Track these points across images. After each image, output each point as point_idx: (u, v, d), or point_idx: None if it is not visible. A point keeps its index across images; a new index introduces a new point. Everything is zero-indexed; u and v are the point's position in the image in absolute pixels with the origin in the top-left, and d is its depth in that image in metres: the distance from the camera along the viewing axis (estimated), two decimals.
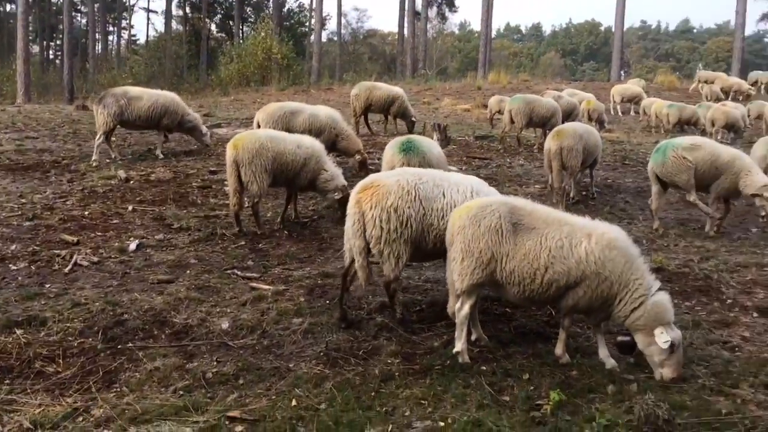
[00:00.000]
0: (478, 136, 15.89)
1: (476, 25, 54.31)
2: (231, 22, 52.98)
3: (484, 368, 5.06)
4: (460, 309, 5.13)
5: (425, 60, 50.03)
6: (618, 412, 4.41)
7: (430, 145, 8.38)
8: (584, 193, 10.86)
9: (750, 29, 63.07)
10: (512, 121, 14.55)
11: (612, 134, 17.71)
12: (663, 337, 4.76)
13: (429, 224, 5.56)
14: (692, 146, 8.79)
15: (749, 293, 6.69)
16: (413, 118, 15.77)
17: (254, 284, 6.76)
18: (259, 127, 11.01)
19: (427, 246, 5.63)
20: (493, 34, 68.80)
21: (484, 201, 5.24)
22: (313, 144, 8.91)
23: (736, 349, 5.48)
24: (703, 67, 47.16)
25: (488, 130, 17.67)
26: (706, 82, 27.68)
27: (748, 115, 19.23)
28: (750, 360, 5.24)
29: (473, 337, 5.51)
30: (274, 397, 4.65)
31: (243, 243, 8.20)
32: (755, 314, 6.21)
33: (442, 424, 4.28)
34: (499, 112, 17.78)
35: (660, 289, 5.01)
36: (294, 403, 4.55)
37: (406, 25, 47.64)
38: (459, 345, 5.13)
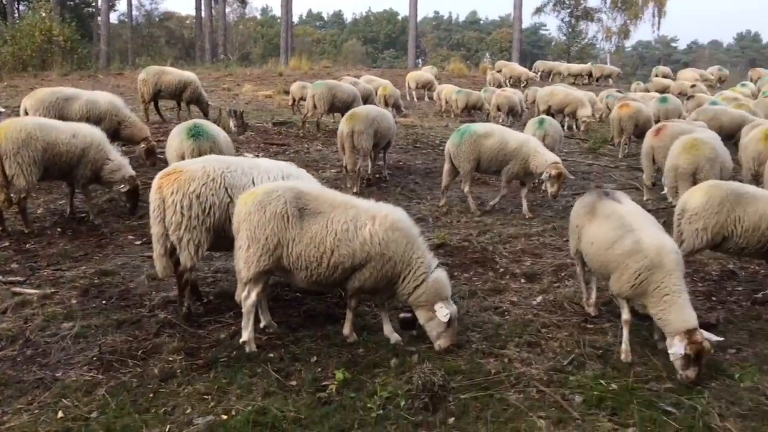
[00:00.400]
0: (276, 122, 15.74)
1: (278, 11, 53.69)
2: (3, 0, 47.10)
3: (272, 355, 5.02)
4: (247, 297, 5.02)
5: (225, 45, 48.48)
6: (399, 383, 4.60)
7: (217, 129, 8.12)
8: (377, 175, 11.21)
9: (528, 22, 69.36)
10: (315, 107, 14.65)
11: (407, 119, 18.48)
12: (443, 311, 5.04)
13: None
14: (485, 134, 9.15)
15: (518, 261, 7.36)
16: (208, 104, 15.19)
17: (17, 289, 6.07)
18: (27, 114, 9.91)
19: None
20: (296, 20, 68.60)
21: (270, 187, 5.16)
22: (92, 133, 8.21)
23: (506, 313, 5.99)
24: (489, 56, 50.98)
25: (289, 116, 17.59)
26: (500, 71, 30.12)
27: (526, 100, 21.12)
28: (516, 322, 5.75)
29: (262, 325, 5.44)
30: (36, 411, 4.22)
31: (7, 244, 7.34)
32: (523, 280, 6.83)
33: (225, 417, 4.17)
34: (302, 98, 17.80)
35: (438, 265, 5.29)
36: (60, 414, 4.16)
37: (203, 8, 45.83)
38: (246, 334, 5.03)
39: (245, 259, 4.96)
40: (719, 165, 7.99)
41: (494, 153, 9.06)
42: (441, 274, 5.21)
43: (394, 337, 5.36)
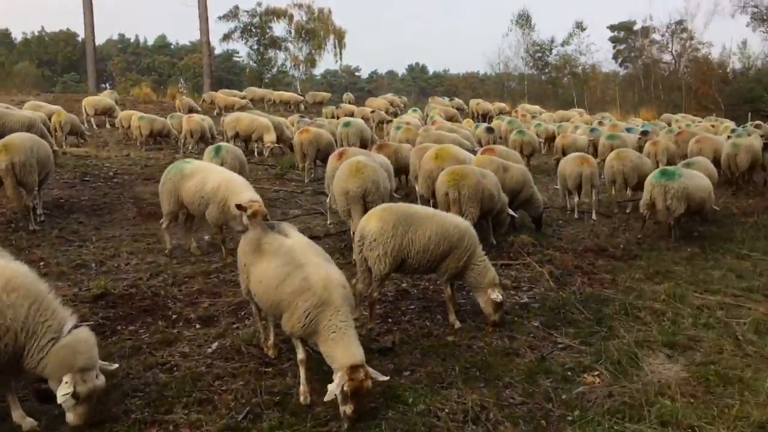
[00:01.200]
0: None
1: None
2: None
3: None
4: None
5: None
6: None
7: None
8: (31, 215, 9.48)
9: (222, 48, 68.70)
10: None
11: (80, 149, 16.51)
12: (62, 390, 4.02)
13: None
14: (190, 174, 8.00)
15: (194, 304, 6.65)
16: None
17: None
18: None
19: None
20: None
21: None
22: None
23: (175, 369, 5.25)
24: (184, 82, 49.41)
25: None
26: (212, 101, 29.06)
27: (223, 127, 20.45)
28: (186, 378, 5.05)
29: None
30: None
31: None
32: (198, 325, 6.15)
33: None
34: None
35: (78, 326, 4.33)
36: None
37: None
38: None
39: None
40: (382, 186, 8.31)
41: (192, 196, 7.92)
42: (75, 338, 4.18)
43: (28, 422, 4.29)
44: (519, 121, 22.23)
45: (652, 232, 10.30)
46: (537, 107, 35.12)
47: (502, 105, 35.31)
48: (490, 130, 19.19)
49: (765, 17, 49.51)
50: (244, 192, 7.71)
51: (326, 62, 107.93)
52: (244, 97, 31.72)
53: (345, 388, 4.24)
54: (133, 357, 5.38)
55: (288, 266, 4.78)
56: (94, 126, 22.51)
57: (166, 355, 5.49)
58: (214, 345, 5.70)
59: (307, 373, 4.83)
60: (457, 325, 6.33)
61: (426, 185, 9.92)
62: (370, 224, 6.15)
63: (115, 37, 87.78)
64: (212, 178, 7.96)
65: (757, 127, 22.15)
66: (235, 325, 6.16)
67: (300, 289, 4.63)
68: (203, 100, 30.33)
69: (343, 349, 4.38)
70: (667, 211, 9.56)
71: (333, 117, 25.84)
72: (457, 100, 35.85)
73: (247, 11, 49.25)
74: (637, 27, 60.03)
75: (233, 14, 48.63)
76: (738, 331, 6.30)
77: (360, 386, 4.24)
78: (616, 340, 6.03)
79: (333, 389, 4.29)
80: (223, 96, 30.18)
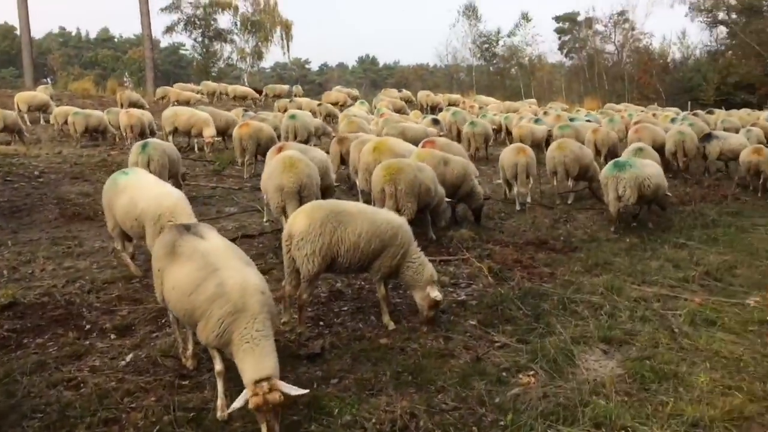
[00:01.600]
0: None
1: None
2: None
3: None
4: None
5: None
6: None
7: None
8: None
9: (168, 41, 67.11)
10: None
11: (8, 147, 15.68)
12: None
13: None
14: (123, 188, 6.81)
15: (112, 312, 6.22)
16: None
17: None
18: None
19: None
20: None
21: None
22: None
23: (82, 385, 4.86)
24: (128, 76, 47.93)
25: None
26: (165, 96, 28.27)
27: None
28: (92, 396, 4.66)
29: None
30: None
31: None
32: (113, 336, 5.74)
33: None
34: None
35: None
36: None
37: None
38: None
39: None
40: (315, 182, 8.01)
41: (123, 216, 6.72)
42: None
43: None
44: (464, 112, 22.13)
45: (592, 224, 10.26)
46: (492, 99, 35.25)
47: (456, 96, 35.22)
48: (436, 121, 19.04)
49: (702, 7, 50.83)
50: (183, 219, 6.23)
51: (275, 55, 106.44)
52: (199, 92, 30.85)
53: (249, 406, 3.92)
54: (36, 373, 4.97)
55: (202, 271, 4.44)
56: (28, 123, 21.50)
57: (74, 369, 5.09)
58: (129, 357, 5.32)
59: (225, 386, 4.51)
60: (391, 326, 6.09)
61: (364, 179, 9.69)
62: (297, 222, 5.85)
63: (56, 30, 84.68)
64: (143, 199, 6.59)
65: (695, 115, 22.56)
66: (154, 335, 5.78)
67: (214, 295, 4.29)
68: (155, 95, 29.37)
69: (253, 362, 4.04)
70: (618, 201, 9.66)
71: (286, 111, 25.26)
72: (406, 92, 35.64)
73: (191, 2, 47.93)
74: (581, 18, 61.05)
75: (176, 5, 47.24)
76: (674, 324, 6.25)
77: (262, 401, 3.89)
78: (553, 337, 5.88)
79: (235, 405, 3.96)
80: (177, 90, 29.24)
